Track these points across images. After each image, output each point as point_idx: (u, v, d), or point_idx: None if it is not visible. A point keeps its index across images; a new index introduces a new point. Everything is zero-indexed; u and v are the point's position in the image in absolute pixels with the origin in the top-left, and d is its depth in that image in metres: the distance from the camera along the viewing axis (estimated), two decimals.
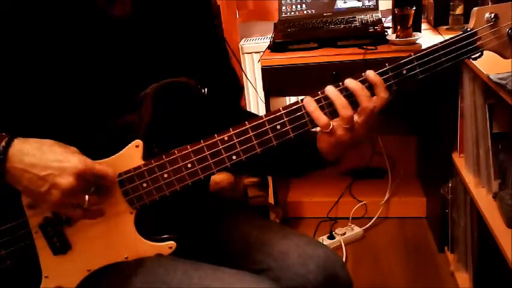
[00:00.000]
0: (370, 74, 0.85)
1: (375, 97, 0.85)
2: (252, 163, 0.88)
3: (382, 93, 0.85)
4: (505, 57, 0.87)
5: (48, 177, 0.81)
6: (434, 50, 0.85)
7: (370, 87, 0.85)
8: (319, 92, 0.87)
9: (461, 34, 0.85)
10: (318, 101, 0.86)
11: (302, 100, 0.87)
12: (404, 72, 0.85)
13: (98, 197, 0.85)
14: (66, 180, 0.80)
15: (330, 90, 0.86)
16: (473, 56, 0.86)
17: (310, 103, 0.86)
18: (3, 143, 0.81)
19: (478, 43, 0.85)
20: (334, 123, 0.86)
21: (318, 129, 0.89)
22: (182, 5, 1.01)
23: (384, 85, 0.85)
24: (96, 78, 0.92)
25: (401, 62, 0.85)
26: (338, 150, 0.91)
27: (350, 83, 0.85)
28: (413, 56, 0.85)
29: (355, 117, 0.85)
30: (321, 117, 0.86)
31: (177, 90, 0.92)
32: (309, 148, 0.93)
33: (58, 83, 0.90)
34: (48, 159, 0.81)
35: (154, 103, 0.90)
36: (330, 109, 0.86)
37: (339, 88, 0.86)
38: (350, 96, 0.85)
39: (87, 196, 0.83)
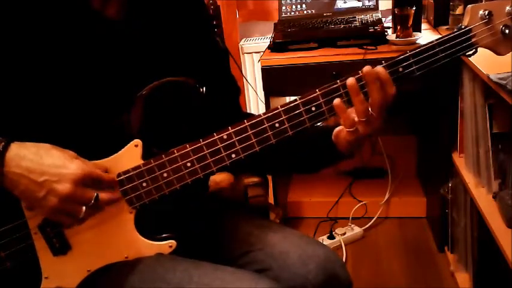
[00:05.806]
0: (382, 71, 0.84)
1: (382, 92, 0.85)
2: (267, 160, 0.88)
3: (390, 89, 0.85)
4: (498, 54, 0.88)
5: (46, 183, 0.81)
6: (430, 47, 0.85)
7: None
8: (338, 81, 0.86)
9: (456, 31, 0.86)
10: (336, 90, 0.85)
11: (300, 98, 0.86)
12: (400, 69, 0.85)
13: (95, 209, 0.86)
14: (63, 187, 0.81)
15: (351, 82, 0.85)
16: (468, 53, 0.86)
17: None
18: (0, 147, 0.81)
19: (473, 40, 0.85)
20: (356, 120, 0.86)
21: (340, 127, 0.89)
22: (176, 5, 1.01)
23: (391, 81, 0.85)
24: (92, 78, 0.92)
25: (398, 59, 0.85)
26: (355, 145, 0.90)
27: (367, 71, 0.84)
28: (409, 53, 0.85)
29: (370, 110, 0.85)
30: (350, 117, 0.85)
31: (175, 90, 0.92)
32: (325, 144, 0.93)
33: (54, 83, 0.90)
34: (46, 164, 0.81)
35: (152, 103, 0.90)
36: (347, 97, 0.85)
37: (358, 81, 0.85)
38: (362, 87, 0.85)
39: (84, 207, 0.83)
